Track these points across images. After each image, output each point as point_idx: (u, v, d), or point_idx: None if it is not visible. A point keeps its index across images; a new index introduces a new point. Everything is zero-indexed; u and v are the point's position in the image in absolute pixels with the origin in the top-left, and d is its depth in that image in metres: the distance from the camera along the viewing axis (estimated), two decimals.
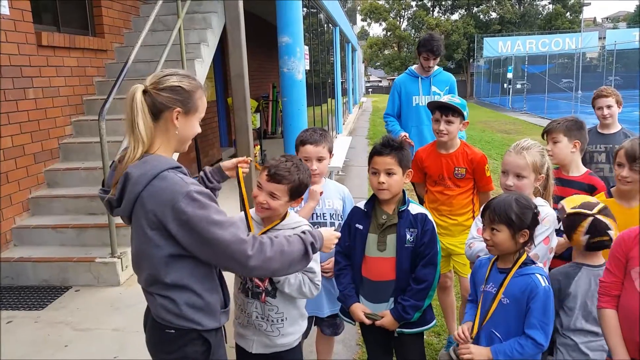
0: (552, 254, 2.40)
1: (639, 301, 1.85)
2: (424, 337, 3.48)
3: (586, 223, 2.14)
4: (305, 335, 2.59)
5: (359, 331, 3.20)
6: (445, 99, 3.24)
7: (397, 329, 2.33)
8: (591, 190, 2.73)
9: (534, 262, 2.09)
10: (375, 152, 2.34)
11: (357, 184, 8.22)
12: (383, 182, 2.27)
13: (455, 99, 3.18)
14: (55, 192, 4.91)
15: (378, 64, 49.56)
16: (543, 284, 1.99)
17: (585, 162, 3.57)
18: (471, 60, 42.17)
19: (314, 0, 9.36)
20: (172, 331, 1.71)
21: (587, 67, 31.01)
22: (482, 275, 2.17)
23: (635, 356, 1.87)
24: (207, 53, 5.88)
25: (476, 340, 2.13)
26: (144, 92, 1.67)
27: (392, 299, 2.32)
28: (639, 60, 23.86)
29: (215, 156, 9.53)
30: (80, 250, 4.31)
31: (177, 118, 1.70)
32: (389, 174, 2.27)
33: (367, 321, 2.33)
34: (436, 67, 4.42)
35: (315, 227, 2.58)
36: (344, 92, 19.57)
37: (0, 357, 3.13)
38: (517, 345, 1.98)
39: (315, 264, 2.19)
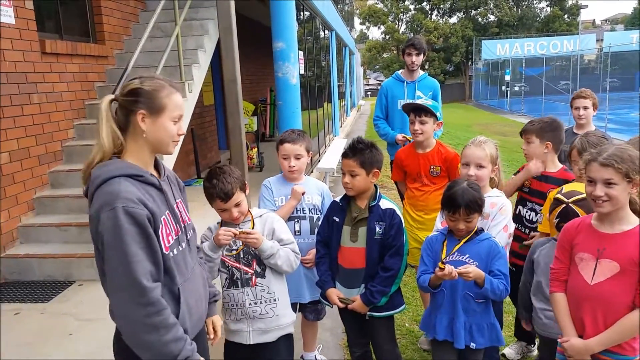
0: (511, 239, 2.66)
1: (581, 282, 2.08)
2: (407, 324, 3.73)
3: (560, 208, 2.37)
4: None
5: None
6: (418, 101, 3.50)
7: (368, 313, 2.56)
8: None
9: (483, 230, 2.45)
10: (342, 155, 2.59)
11: None
12: (347, 182, 2.52)
13: (427, 102, 3.45)
14: (58, 192, 5.13)
15: (377, 67, 49.64)
16: (501, 245, 2.39)
17: (561, 160, 3.81)
18: (470, 63, 42.32)
19: (308, 5, 9.57)
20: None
21: (584, 69, 31.11)
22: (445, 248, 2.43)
23: (581, 332, 2.09)
24: (204, 58, 6.10)
25: (452, 304, 2.39)
26: (115, 100, 1.71)
27: (363, 285, 2.56)
28: (637, 62, 24.00)
29: (214, 159, 9.76)
30: (83, 247, 4.51)
31: (142, 120, 1.67)
32: (352, 175, 2.51)
33: (341, 304, 2.57)
34: (421, 72, 4.65)
35: (295, 220, 2.82)
36: (341, 96, 19.80)
37: (0, 357, 3.27)
38: (499, 282, 2.30)
39: (289, 235, 2.45)
